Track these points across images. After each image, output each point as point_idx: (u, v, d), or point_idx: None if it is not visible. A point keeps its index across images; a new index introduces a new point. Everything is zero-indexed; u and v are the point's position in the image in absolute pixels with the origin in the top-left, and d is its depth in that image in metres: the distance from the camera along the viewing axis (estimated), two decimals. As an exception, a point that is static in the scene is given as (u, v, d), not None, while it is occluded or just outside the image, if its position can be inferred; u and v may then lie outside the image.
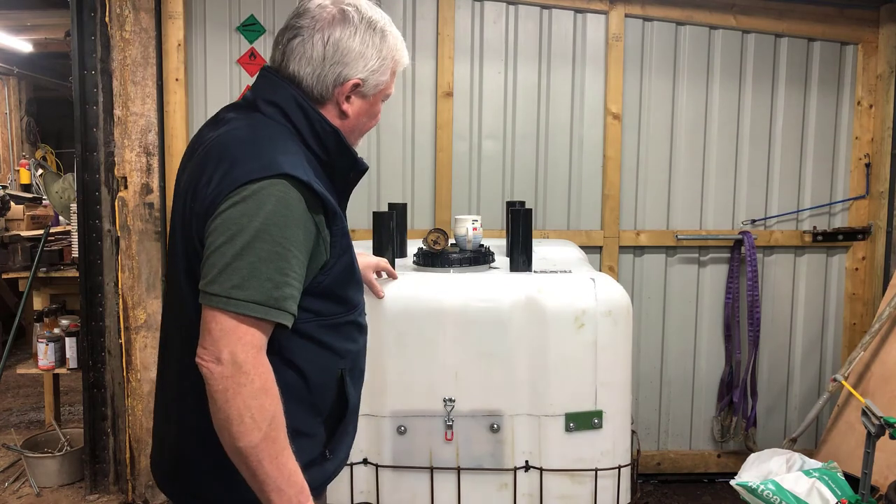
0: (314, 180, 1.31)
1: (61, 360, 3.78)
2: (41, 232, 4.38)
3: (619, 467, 2.12)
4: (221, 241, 1.25)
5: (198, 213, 1.31)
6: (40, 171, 6.97)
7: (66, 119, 4.10)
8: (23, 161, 7.64)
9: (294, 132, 1.38)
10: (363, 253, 2.05)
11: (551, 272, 2.27)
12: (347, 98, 1.41)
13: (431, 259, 2.34)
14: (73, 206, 3.66)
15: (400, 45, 1.45)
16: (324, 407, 1.44)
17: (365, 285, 1.97)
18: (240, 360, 1.23)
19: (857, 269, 3.66)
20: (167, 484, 1.50)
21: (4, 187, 6.52)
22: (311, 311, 1.37)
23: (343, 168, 1.44)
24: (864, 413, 2.31)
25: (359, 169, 1.46)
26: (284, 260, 1.26)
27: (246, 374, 1.23)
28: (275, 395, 1.26)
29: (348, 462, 1.88)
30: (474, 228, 2.38)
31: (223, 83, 3.35)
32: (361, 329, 1.53)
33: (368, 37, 1.39)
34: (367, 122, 1.48)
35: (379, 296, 2.08)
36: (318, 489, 1.46)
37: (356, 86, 1.40)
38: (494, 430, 2.09)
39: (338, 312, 1.43)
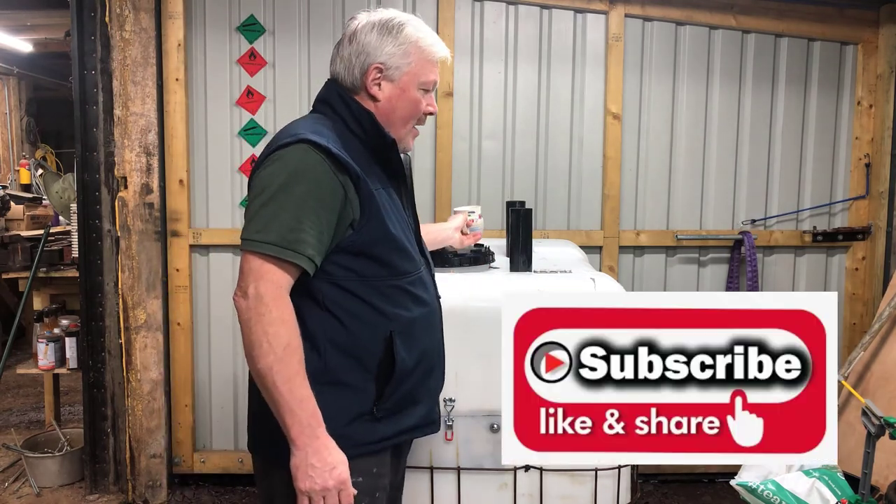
0: (334, 146, 1.51)
1: (61, 360, 3.77)
2: (41, 232, 4.37)
3: (619, 467, 2.12)
4: (253, 196, 1.51)
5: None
6: (40, 171, 6.97)
7: (66, 119, 4.10)
8: (23, 161, 7.65)
9: (340, 121, 1.62)
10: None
11: (551, 272, 2.27)
12: (377, 84, 1.63)
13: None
14: (73, 206, 3.66)
15: (422, 35, 1.67)
16: (370, 364, 1.58)
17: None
18: (261, 293, 1.44)
19: (857, 269, 3.66)
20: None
21: (4, 187, 6.53)
22: (351, 269, 1.55)
23: (379, 146, 1.63)
24: (864, 413, 2.31)
25: (387, 142, 1.62)
26: (301, 209, 1.47)
27: (266, 305, 1.44)
28: (291, 326, 1.46)
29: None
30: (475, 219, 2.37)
31: (223, 83, 3.34)
32: (417, 300, 1.65)
33: (385, 31, 1.63)
34: (407, 109, 1.65)
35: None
36: (367, 447, 1.59)
37: (378, 70, 1.62)
38: (494, 430, 2.09)
39: (380, 275, 1.58)
